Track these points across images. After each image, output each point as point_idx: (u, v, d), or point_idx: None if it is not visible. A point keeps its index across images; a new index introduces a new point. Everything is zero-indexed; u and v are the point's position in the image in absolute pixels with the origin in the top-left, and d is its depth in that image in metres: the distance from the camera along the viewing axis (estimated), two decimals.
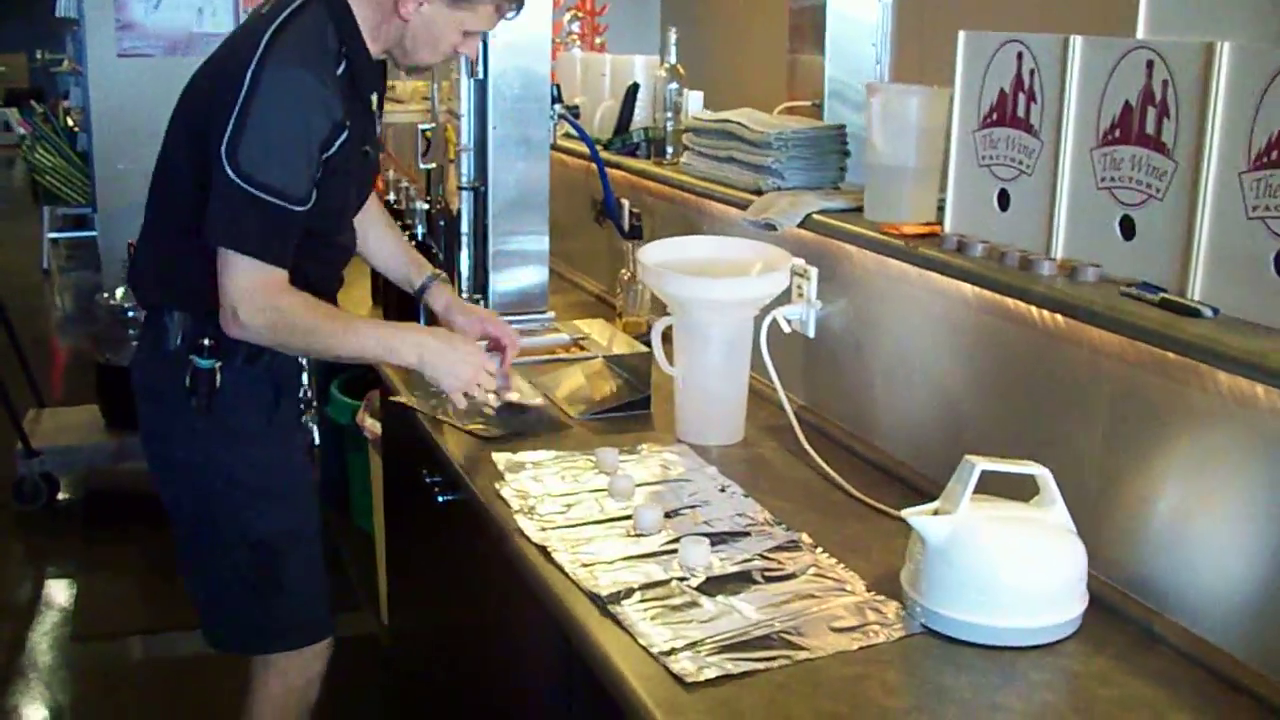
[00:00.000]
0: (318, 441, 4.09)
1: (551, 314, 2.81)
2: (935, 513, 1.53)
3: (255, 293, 1.97)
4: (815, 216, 2.15)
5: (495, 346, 2.28)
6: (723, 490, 1.92)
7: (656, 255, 2.19)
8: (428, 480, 2.22)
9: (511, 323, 2.66)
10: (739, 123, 2.41)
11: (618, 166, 2.94)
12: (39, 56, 11.16)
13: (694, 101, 2.82)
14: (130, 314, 4.35)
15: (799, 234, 2.20)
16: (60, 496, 4.52)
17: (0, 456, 4.49)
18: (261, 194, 1.94)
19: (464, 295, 2.98)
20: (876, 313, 2.08)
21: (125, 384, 2.27)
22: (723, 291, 2.08)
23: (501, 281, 2.79)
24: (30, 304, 7.41)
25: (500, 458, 2.04)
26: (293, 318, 2.01)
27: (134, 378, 2.21)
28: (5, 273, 8.28)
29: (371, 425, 3.11)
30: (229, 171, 1.93)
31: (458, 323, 2.33)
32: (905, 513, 1.54)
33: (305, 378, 2.47)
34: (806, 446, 2.07)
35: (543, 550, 1.71)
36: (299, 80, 1.96)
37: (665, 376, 2.18)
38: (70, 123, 6.94)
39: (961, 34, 1.82)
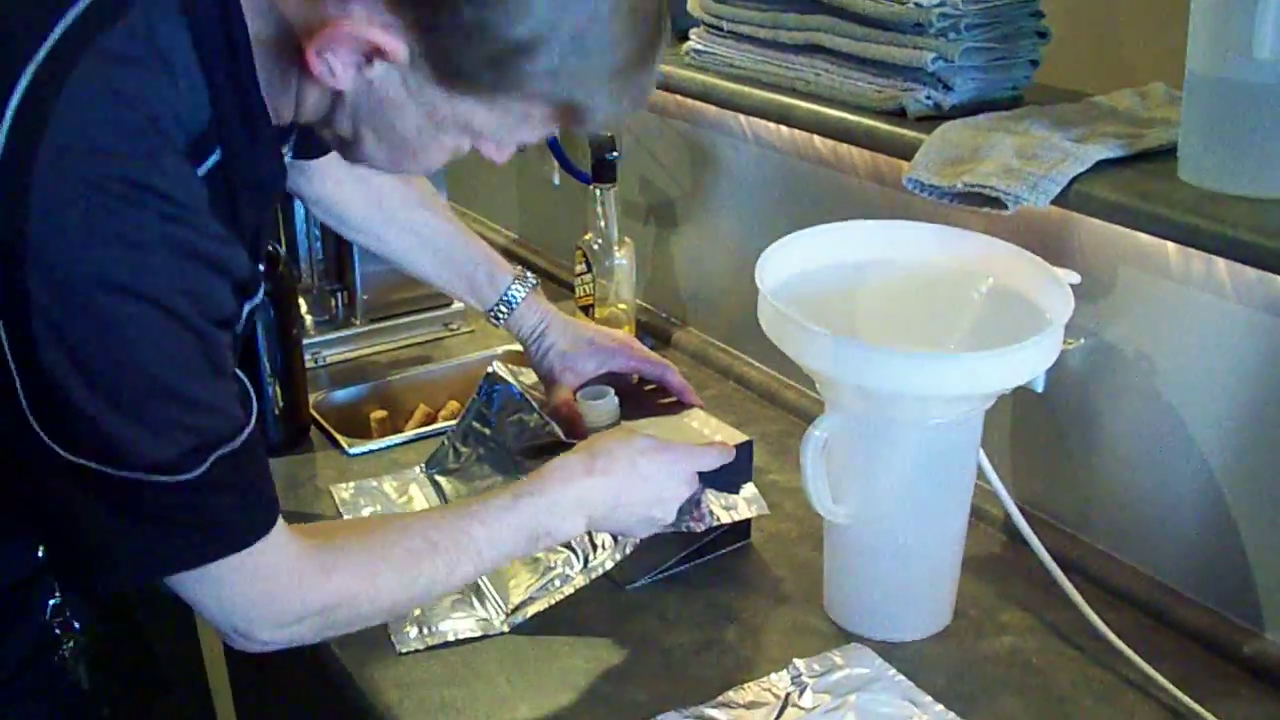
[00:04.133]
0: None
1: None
2: None
3: (258, 602, 0.91)
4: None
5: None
6: None
7: (783, 270, 1.07)
8: None
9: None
10: None
11: None
12: None
13: None
14: None
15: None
16: None
17: None
18: (150, 476, 0.80)
19: (308, 278, 1.80)
20: (1191, 358, 1.06)
21: None
22: (965, 377, 0.98)
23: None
24: None
25: None
26: (359, 609, 0.95)
27: None
28: None
29: None
30: (63, 454, 0.79)
31: (563, 367, 1.31)
32: None
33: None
34: (1110, 634, 1.06)
35: None
36: (141, 236, 0.76)
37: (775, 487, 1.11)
38: None
39: None
